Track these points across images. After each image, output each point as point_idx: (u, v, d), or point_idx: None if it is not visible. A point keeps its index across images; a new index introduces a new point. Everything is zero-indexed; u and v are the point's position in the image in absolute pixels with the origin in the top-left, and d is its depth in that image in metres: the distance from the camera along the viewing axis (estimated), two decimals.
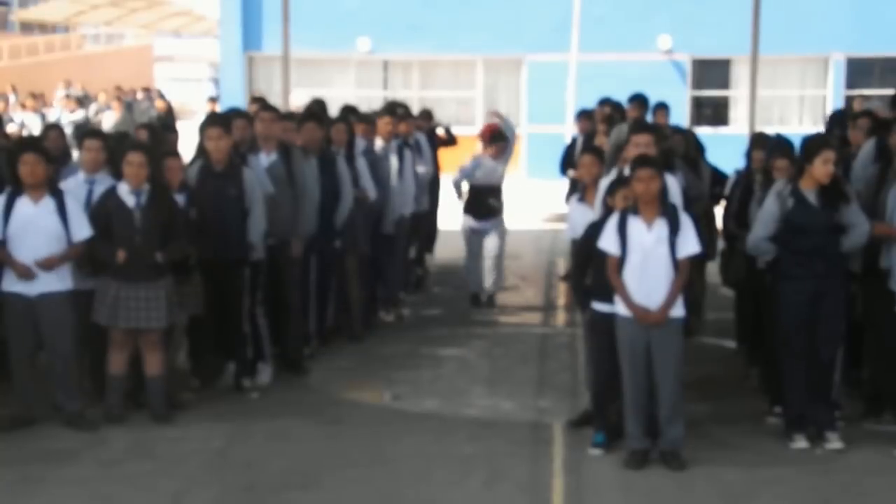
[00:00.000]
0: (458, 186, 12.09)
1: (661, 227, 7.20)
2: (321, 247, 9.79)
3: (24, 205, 7.84)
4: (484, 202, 11.90)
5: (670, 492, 6.96)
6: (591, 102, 13.92)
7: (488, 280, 12.01)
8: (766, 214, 7.72)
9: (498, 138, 12.12)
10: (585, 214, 8.15)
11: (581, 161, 8.76)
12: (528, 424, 8.29)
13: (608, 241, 7.28)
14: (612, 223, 7.29)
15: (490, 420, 8.39)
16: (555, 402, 8.78)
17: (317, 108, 11.11)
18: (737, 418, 8.37)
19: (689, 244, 7.26)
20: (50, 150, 8.71)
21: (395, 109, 11.99)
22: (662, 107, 12.70)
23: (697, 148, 11.16)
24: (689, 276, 7.36)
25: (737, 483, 7.12)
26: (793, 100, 24.95)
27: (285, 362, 9.27)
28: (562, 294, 13.04)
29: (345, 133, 10.39)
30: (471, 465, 7.40)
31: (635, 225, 7.22)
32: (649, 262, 7.19)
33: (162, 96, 27.62)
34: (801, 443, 7.68)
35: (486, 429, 8.16)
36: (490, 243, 11.94)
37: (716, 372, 9.56)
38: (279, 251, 9.12)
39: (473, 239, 11.98)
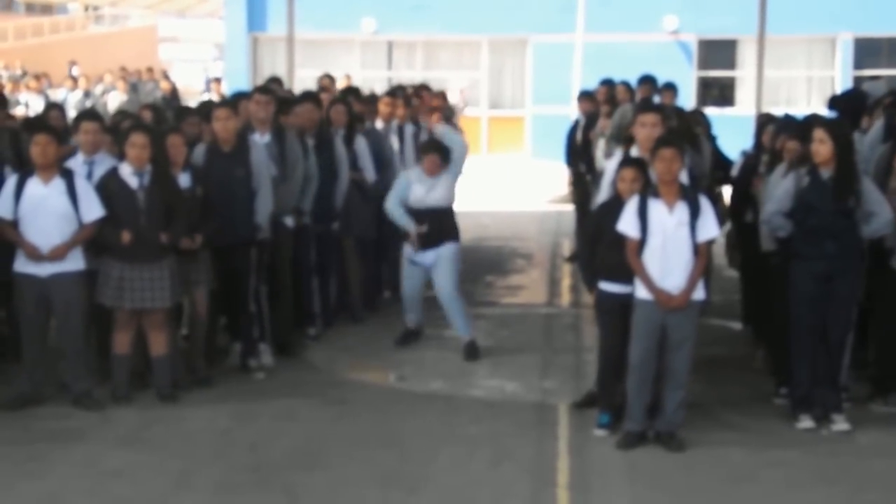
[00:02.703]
0: (395, 215, 9.51)
1: (682, 210, 7.19)
2: (319, 228, 9.79)
3: (34, 186, 7.84)
4: (425, 232, 9.38)
5: (675, 472, 6.97)
6: (596, 83, 13.90)
7: (460, 326, 9.54)
8: (783, 190, 7.72)
9: (429, 149, 9.51)
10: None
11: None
12: (533, 405, 8.29)
13: (628, 224, 7.25)
14: (632, 206, 7.26)
15: (495, 401, 8.40)
16: (560, 383, 8.79)
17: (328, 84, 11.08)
18: (742, 400, 8.38)
19: (710, 228, 7.25)
20: None
21: (397, 91, 11.98)
22: (670, 87, 12.69)
23: (706, 126, 11.15)
24: (707, 259, 7.37)
25: (742, 464, 7.12)
26: (800, 80, 24.89)
27: (277, 344, 9.27)
28: (567, 275, 13.04)
29: (344, 114, 10.38)
30: (476, 445, 7.40)
31: (657, 208, 7.20)
32: (669, 245, 7.17)
33: (167, 77, 27.57)
34: (806, 423, 7.68)
35: (491, 410, 8.16)
36: (440, 280, 9.45)
37: (721, 353, 9.56)
38: (272, 231, 9.09)
39: (411, 272, 9.58)
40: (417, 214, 9.37)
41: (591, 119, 13.02)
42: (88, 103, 22.34)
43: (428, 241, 9.38)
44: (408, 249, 9.51)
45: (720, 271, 11.11)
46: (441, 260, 9.38)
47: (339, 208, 10.03)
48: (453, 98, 23.17)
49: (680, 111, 11.78)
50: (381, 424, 7.77)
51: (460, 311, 9.44)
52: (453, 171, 9.43)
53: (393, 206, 9.44)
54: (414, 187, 9.35)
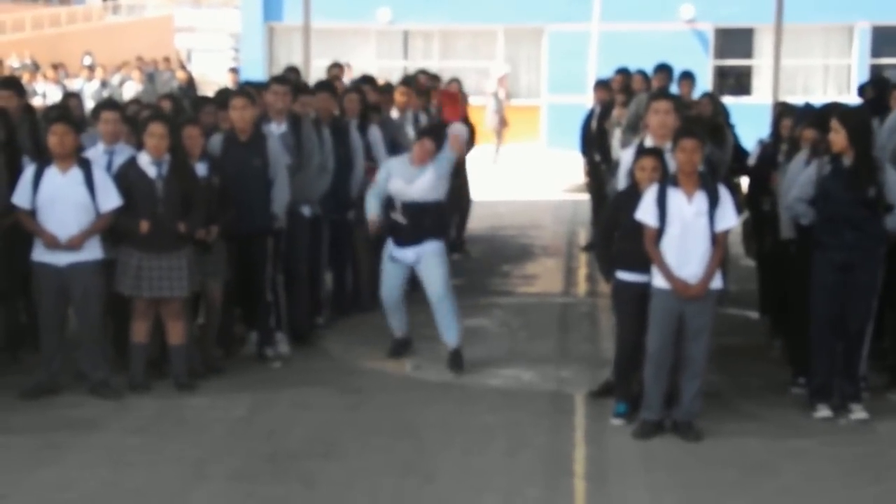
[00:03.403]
0: (367, 204, 8.94)
1: (701, 199, 7.16)
2: (334, 217, 9.79)
3: (52, 175, 7.87)
4: (403, 224, 8.68)
5: (691, 461, 6.95)
6: (612, 72, 13.87)
7: (448, 334, 8.82)
8: (806, 177, 7.70)
9: (423, 133, 9.03)
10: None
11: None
12: (550, 394, 8.29)
13: (646, 213, 7.24)
14: (651, 195, 7.24)
15: (511, 390, 8.39)
16: (576, 373, 8.78)
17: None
18: (759, 389, 8.36)
19: (728, 218, 7.22)
20: None
21: (411, 80, 11.96)
22: (687, 76, 12.65)
23: (724, 115, 11.13)
24: (725, 248, 7.35)
25: (759, 454, 7.11)
26: (817, 69, 24.78)
27: (293, 333, 9.28)
28: (583, 264, 13.02)
29: (358, 103, 10.37)
30: (492, 435, 7.41)
31: (675, 197, 7.17)
32: (688, 234, 7.15)
33: (183, 67, 27.62)
34: (824, 412, 7.66)
35: (507, 399, 8.16)
36: (429, 279, 8.71)
37: (738, 343, 9.54)
38: (288, 220, 9.09)
39: (390, 270, 8.82)
40: (404, 207, 8.64)
41: (606, 108, 13.00)
42: (105, 93, 22.40)
43: (408, 237, 8.64)
44: (389, 244, 8.80)
45: (737, 261, 11.08)
46: (426, 258, 8.64)
47: (355, 198, 10.03)
48: (491, 87, 23.17)
49: (714, 98, 11.72)
50: (397, 413, 7.78)
51: (450, 315, 8.69)
52: (443, 163, 8.69)
53: (368, 195, 8.93)
54: (393, 179, 8.67)
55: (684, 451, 7.10)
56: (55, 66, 24.89)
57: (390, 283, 8.85)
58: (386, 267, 8.84)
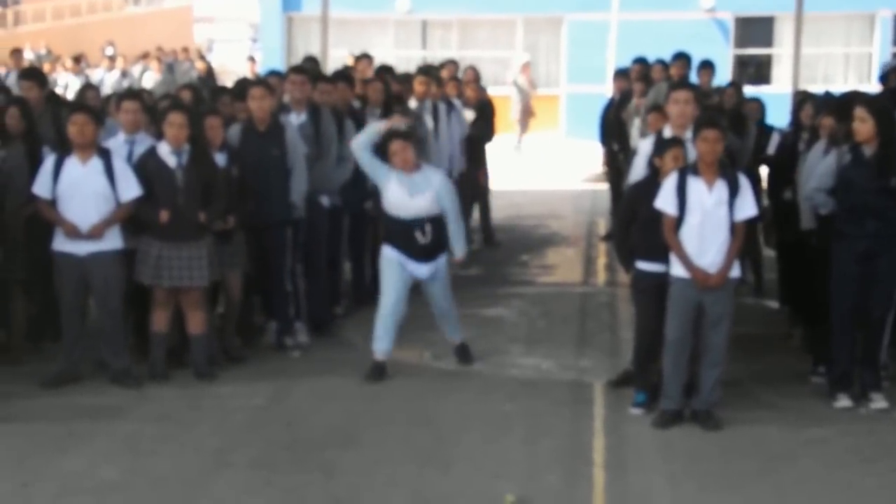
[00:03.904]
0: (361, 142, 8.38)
1: (721, 188, 7.14)
2: (353, 207, 9.80)
3: (72, 165, 7.90)
4: (411, 236, 8.18)
5: (710, 451, 6.95)
6: (631, 62, 13.81)
7: (454, 333, 8.68)
8: (825, 167, 7.67)
9: (389, 137, 8.23)
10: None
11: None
12: (569, 384, 8.29)
13: (666, 201, 7.21)
14: (671, 183, 7.22)
15: (530, 379, 8.40)
16: (595, 362, 8.78)
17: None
18: (779, 378, 8.34)
19: (748, 207, 7.20)
20: None
21: (430, 70, 11.94)
22: (708, 65, 12.59)
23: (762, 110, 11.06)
24: (745, 238, 7.33)
25: (778, 442, 7.10)
26: (838, 57, 24.63)
27: (312, 321, 9.30)
28: (602, 254, 13.00)
29: (381, 92, 10.37)
30: (511, 424, 7.41)
31: (695, 186, 7.15)
32: (707, 223, 7.13)
33: (202, 57, 27.64)
34: (844, 402, 7.64)
35: (526, 388, 8.16)
36: (440, 298, 8.48)
37: (758, 332, 9.51)
38: (308, 211, 9.10)
39: (398, 280, 8.24)
40: (408, 223, 8.12)
41: (625, 98, 12.96)
42: (126, 83, 22.46)
43: (425, 252, 8.21)
44: (390, 251, 8.17)
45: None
46: (438, 274, 8.32)
47: (373, 188, 10.02)
48: (513, 77, 23.11)
49: (738, 88, 11.67)
50: (416, 402, 7.79)
51: (454, 319, 8.65)
52: (443, 191, 8.13)
53: (356, 143, 8.31)
54: (392, 186, 8.14)
55: (703, 441, 7.10)
56: (77, 58, 24.93)
57: (399, 299, 8.22)
58: (394, 280, 8.19)
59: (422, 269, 8.29)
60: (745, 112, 10.74)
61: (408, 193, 8.13)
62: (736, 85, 11.88)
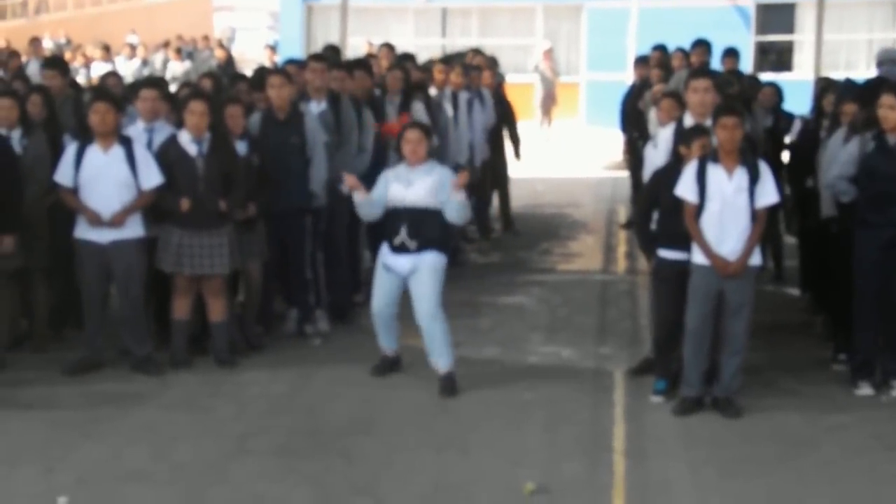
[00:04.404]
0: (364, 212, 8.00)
1: (741, 176, 7.11)
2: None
3: (94, 153, 7.94)
4: (399, 229, 7.70)
5: (731, 438, 6.94)
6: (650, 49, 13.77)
7: (440, 359, 7.79)
8: (847, 155, 7.63)
9: (420, 126, 8.03)
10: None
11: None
12: (589, 372, 8.29)
13: (686, 189, 7.19)
14: (691, 171, 7.20)
15: (551, 367, 8.40)
16: (616, 350, 8.77)
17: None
18: (801, 366, 8.32)
19: (769, 194, 7.17)
20: None
21: (450, 59, 11.94)
22: (732, 53, 12.53)
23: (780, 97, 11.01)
24: (765, 225, 7.31)
25: (800, 430, 7.08)
26: (860, 44, 24.46)
27: (333, 309, 9.32)
28: (622, 241, 12.98)
29: (400, 81, 10.37)
30: (531, 411, 7.42)
31: (716, 173, 7.13)
32: (727, 211, 7.11)
33: (222, 46, 27.68)
34: (866, 390, 7.62)
35: (546, 376, 8.17)
36: (417, 296, 7.71)
37: (780, 319, 9.48)
38: (328, 198, 9.10)
39: (383, 281, 7.82)
40: (395, 214, 7.73)
41: (645, 85, 12.92)
42: (146, 72, 22.51)
43: (404, 246, 7.68)
44: (384, 250, 7.84)
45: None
46: (419, 271, 7.64)
47: None
48: (535, 63, 23.04)
49: (739, 75, 11.63)
50: (436, 390, 7.79)
51: (440, 336, 7.70)
52: (444, 182, 7.66)
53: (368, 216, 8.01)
54: (392, 186, 7.74)
55: (724, 428, 7.09)
56: (107, 47, 24.97)
57: (383, 297, 7.82)
58: (379, 277, 7.84)
59: (400, 262, 7.68)
60: (750, 96, 10.66)
61: (404, 185, 7.68)
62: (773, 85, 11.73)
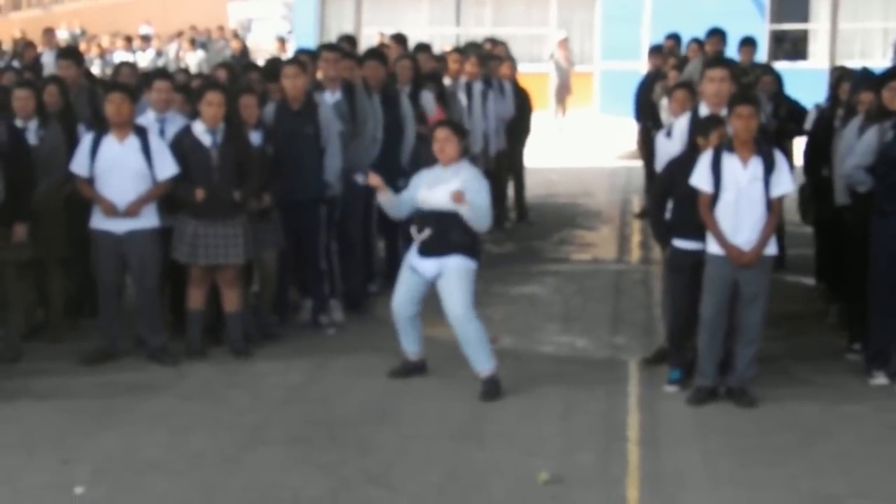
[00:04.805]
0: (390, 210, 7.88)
1: (756, 165, 7.10)
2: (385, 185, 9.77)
3: (109, 144, 7.96)
4: (423, 231, 7.50)
5: (746, 427, 6.94)
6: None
7: (479, 362, 7.54)
8: (865, 144, 7.61)
9: (453, 126, 7.76)
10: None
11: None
12: (604, 361, 8.29)
13: (701, 179, 7.18)
14: (706, 160, 7.18)
15: (565, 357, 8.41)
16: (630, 340, 8.77)
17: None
18: (815, 355, 8.31)
19: (784, 184, 7.16)
20: None
21: (466, 49, 11.93)
22: (749, 42, 12.48)
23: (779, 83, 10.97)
24: (780, 215, 7.30)
25: (814, 420, 7.08)
26: (876, 32, 24.33)
27: (347, 299, 9.34)
28: (636, 231, 12.96)
29: (410, 70, 10.36)
30: (546, 401, 7.43)
31: (731, 163, 7.11)
32: (742, 200, 7.09)
33: (237, 36, 27.71)
34: (881, 380, 7.60)
35: (561, 365, 8.17)
36: (448, 300, 7.48)
37: (794, 309, 9.47)
38: (343, 188, 9.11)
39: (406, 280, 7.64)
40: (421, 216, 7.54)
41: (659, 75, 12.89)
42: (160, 62, 22.55)
43: (430, 248, 7.49)
44: (412, 250, 7.64)
45: (791, 227, 10.96)
46: (447, 273, 7.43)
47: (406, 165, 10.02)
48: (550, 53, 23.00)
49: (755, 65, 11.59)
50: (451, 379, 7.80)
51: (477, 339, 7.48)
52: (473, 184, 7.44)
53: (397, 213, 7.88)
54: (421, 187, 7.56)
55: (738, 417, 7.09)
56: (128, 38, 25.00)
57: (404, 295, 7.64)
58: (403, 276, 7.69)
59: (425, 265, 7.51)
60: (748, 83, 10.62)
61: (430, 186, 7.47)
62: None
